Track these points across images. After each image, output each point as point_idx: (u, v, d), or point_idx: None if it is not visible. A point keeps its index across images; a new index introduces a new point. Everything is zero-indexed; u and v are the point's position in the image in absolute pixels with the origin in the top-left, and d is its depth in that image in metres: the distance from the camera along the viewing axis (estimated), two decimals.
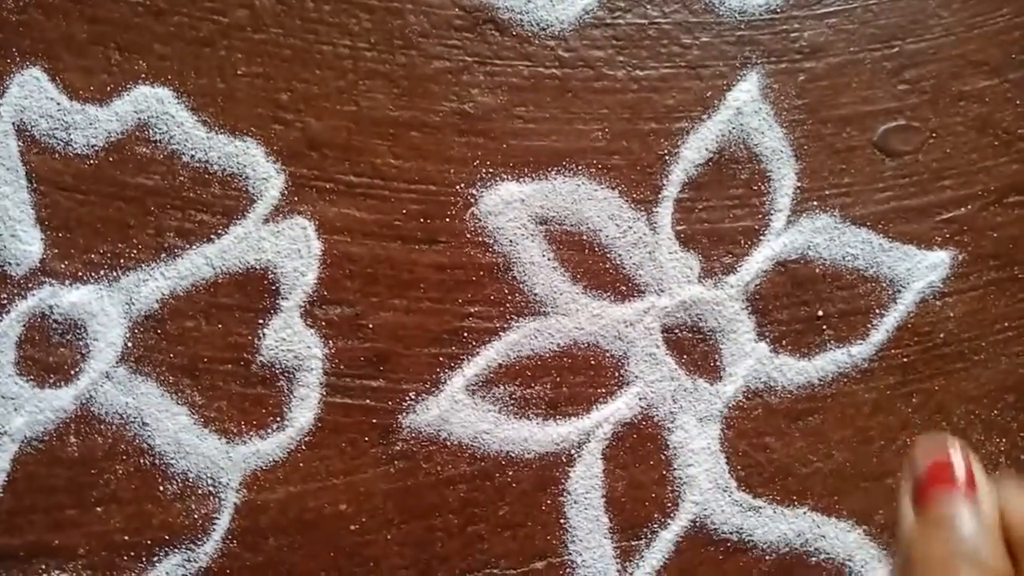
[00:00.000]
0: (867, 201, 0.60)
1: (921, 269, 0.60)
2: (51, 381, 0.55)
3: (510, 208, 0.58)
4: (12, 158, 0.55)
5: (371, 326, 0.57)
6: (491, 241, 0.58)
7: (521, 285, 0.58)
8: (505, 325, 0.57)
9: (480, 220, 0.58)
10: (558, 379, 0.58)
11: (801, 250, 0.59)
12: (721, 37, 0.60)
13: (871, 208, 0.60)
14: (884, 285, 0.59)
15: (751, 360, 0.58)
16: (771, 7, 0.61)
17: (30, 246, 0.55)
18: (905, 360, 0.59)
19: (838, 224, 0.60)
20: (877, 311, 0.59)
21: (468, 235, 0.58)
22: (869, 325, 0.59)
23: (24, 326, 0.55)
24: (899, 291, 0.59)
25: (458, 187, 0.58)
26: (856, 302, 0.59)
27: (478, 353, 0.57)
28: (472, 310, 0.57)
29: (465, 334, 0.57)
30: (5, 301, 0.55)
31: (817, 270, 0.59)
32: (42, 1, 0.56)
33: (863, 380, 0.59)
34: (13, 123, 0.56)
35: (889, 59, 0.61)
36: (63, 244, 0.56)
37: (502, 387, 0.57)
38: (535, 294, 0.58)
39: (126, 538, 0.55)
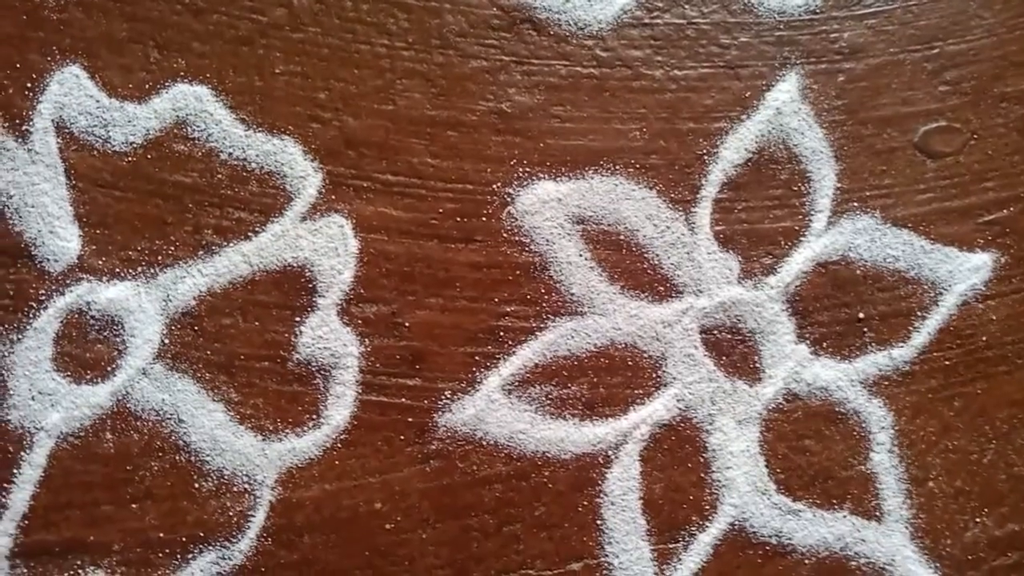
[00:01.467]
0: (908, 202, 0.59)
1: (963, 271, 0.59)
2: (88, 377, 0.55)
3: (547, 207, 0.58)
4: (51, 155, 0.56)
5: (407, 324, 0.56)
6: (527, 240, 0.58)
7: (558, 285, 0.58)
8: (541, 325, 0.57)
9: (517, 219, 0.58)
10: (595, 380, 0.57)
11: (842, 251, 0.59)
12: (760, 37, 0.60)
13: (912, 209, 0.59)
14: (926, 287, 0.59)
15: (791, 362, 0.58)
16: (810, 8, 0.60)
17: (68, 242, 0.55)
18: (947, 363, 0.59)
19: (879, 225, 0.59)
20: (919, 313, 0.59)
21: (505, 234, 0.58)
22: (910, 327, 0.59)
23: (62, 322, 0.55)
24: (941, 293, 0.59)
25: (495, 186, 0.58)
26: (897, 304, 0.59)
27: (514, 352, 0.57)
28: (508, 309, 0.57)
29: (501, 333, 0.57)
30: (43, 297, 0.55)
31: (858, 272, 0.59)
32: (82, 0, 0.57)
33: (904, 383, 0.58)
34: (52, 120, 0.56)
35: (930, 60, 0.61)
36: (101, 241, 0.56)
37: (538, 387, 0.57)
38: (572, 294, 0.57)
39: (161, 535, 0.54)
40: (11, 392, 0.54)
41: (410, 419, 0.56)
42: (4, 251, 0.55)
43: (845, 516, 0.57)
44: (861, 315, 0.59)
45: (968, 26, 0.61)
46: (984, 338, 0.59)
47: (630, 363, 0.58)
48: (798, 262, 0.58)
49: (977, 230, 0.60)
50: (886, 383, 0.58)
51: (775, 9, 0.60)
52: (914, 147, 0.60)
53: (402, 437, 0.56)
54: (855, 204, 0.59)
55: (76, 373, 0.55)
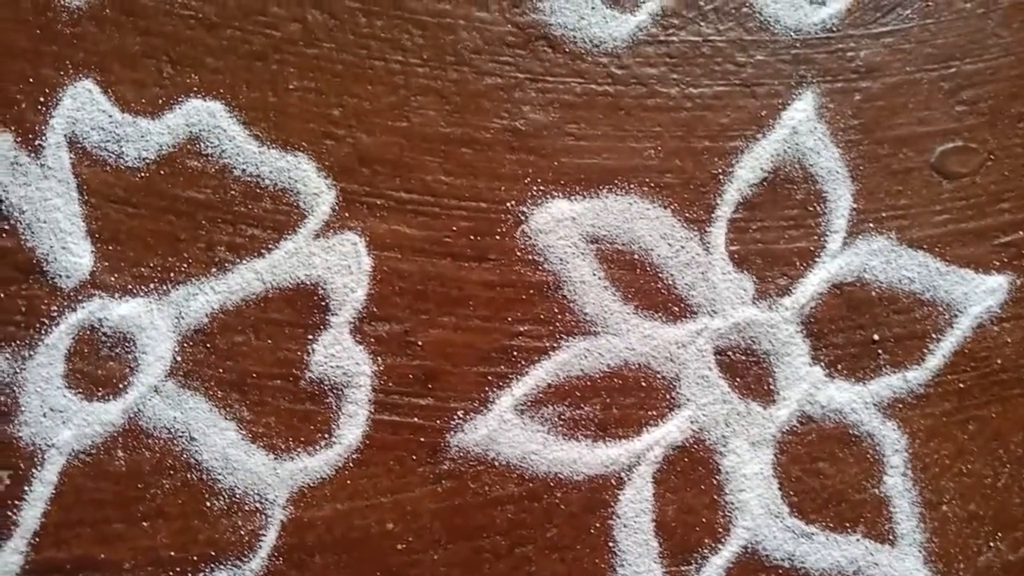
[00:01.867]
0: (924, 223, 0.59)
1: (979, 293, 0.59)
2: (100, 394, 0.55)
3: (561, 226, 0.57)
4: (64, 170, 0.55)
5: (420, 343, 0.56)
6: (541, 259, 0.57)
7: (571, 304, 0.57)
8: (555, 344, 0.57)
9: (530, 238, 0.57)
10: (608, 400, 0.57)
11: (857, 273, 0.58)
12: (776, 56, 0.60)
13: (928, 231, 0.59)
14: (941, 309, 0.59)
15: (805, 384, 0.57)
16: (827, 26, 0.60)
17: (80, 259, 0.55)
18: (961, 386, 0.58)
19: (895, 247, 0.59)
20: (933, 336, 0.58)
21: (518, 253, 0.57)
22: (925, 350, 0.58)
23: (73, 339, 0.55)
24: (956, 315, 0.58)
25: (508, 204, 0.57)
26: (912, 326, 0.58)
27: (527, 372, 0.57)
28: (521, 329, 0.57)
29: (514, 353, 0.57)
30: (55, 313, 0.55)
31: (873, 293, 0.58)
32: (95, 14, 0.56)
33: (918, 406, 0.58)
34: (65, 135, 0.56)
35: (946, 79, 0.60)
36: (113, 257, 0.55)
37: (551, 407, 0.56)
38: (585, 313, 0.57)
39: (172, 553, 0.54)
40: (23, 409, 0.54)
41: (422, 439, 0.56)
42: (16, 267, 0.55)
43: (858, 539, 0.57)
44: (876, 337, 0.58)
45: (986, 45, 0.61)
46: (999, 361, 0.59)
47: (643, 384, 0.57)
48: (813, 283, 0.58)
49: (993, 252, 0.59)
50: (900, 406, 0.58)
51: (791, 27, 0.60)
52: (930, 167, 0.60)
53: (414, 457, 0.56)
54: (871, 225, 0.59)
55: (88, 390, 0.55)
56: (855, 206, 0.59)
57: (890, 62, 0.60)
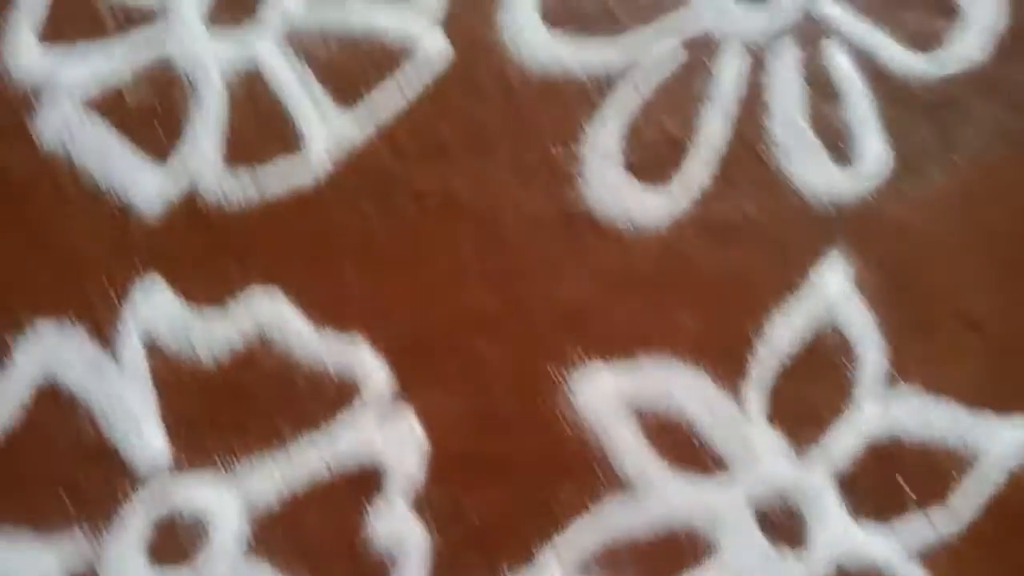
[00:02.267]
0: (953, 375, 0.62)
1: (1008, 441, 0.61)
2: (175, 570, 0.58)
3: (601, 392, 0.60)
4: (137, 364, 0.59)
5: (471, 510, 0.59)
6: (584, 424, 0.60)
7: (612, 464, 0.60)
8: (597, 503, 0.60)
9: (573, 404, 0.60)
10: (649, 554, 0.60)
11: (888, 426, 0.61)
12: (808, 220, 0.62)
13: (958, 382, 0.61)
14: (971, 459, 0.61)
15: (838, 534, 0.60)
16: (856, 189, 0.62)
17: (154, 444, 0.59)
18: (993, 534, 0.61)
19: (925, 400, 0.61)
20: (964, 485, 0.61)
21: (562, 418, 0.60)
22: (955, 498, 0.60)
23: (148, 517, 0.58)
24: (987, 464, 0.61)
25: (552, 373, 0.60)
26: (943, 476, 0.61)
27: (572, 531, 0.59)
28: (565, 490, 0.60)
29: (559, 514, 0.60)
30: (131, 494, 0.59)
31: (905, 445, 0.61)
32: (167, 224, 0.60)
33: (948, 551, 0.60)
34: (137, 332, 0.59)
35: (974, 232, 0.62)
36: (185, 443, 0.59)
37: (594, 562, 0.59)
38: (625, 473, 0.60)
39: None
40: None
41: None
42: (93, 453, 0.59)
43: None
44: (906, 488, 0.61)
45: (1011, 194, 0.63)
46: None
47: (683, 538, 0.60)
48: (845, 438, 0.61)
49: (1023, 399, 0.61)
50: (931, 553, 0.60)
51: (822, 192, 0.62)
52: (958, 319, 0.62)
53: None
54: (901, 380, 0.61)
55: (164, 565, 0.58)
56: (885, 362, 0.62)
57: (919, 222, 0.63)
